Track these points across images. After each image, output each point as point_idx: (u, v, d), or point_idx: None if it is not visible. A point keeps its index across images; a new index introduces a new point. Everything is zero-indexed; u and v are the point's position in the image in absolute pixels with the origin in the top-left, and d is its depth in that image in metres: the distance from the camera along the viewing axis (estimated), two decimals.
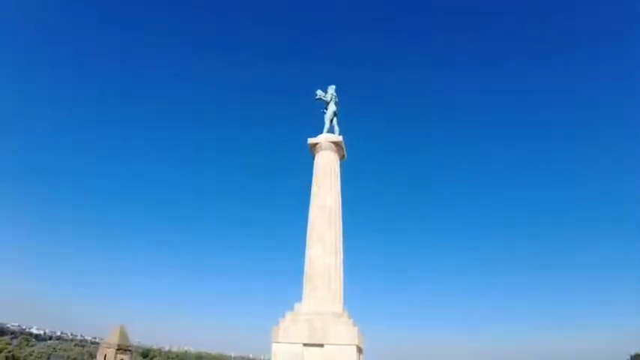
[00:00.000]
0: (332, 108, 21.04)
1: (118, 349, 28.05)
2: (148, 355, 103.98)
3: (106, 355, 28.22)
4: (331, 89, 21.45)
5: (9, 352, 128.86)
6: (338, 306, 16.77)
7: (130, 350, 29.80)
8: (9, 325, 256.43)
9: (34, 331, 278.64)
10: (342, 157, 20.68)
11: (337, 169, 19.89)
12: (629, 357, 51.53)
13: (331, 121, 20.93)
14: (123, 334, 29.48)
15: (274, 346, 15.91)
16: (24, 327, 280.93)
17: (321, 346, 15.42)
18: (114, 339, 28.59)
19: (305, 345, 15.59)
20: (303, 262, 18.01)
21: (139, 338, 33.23)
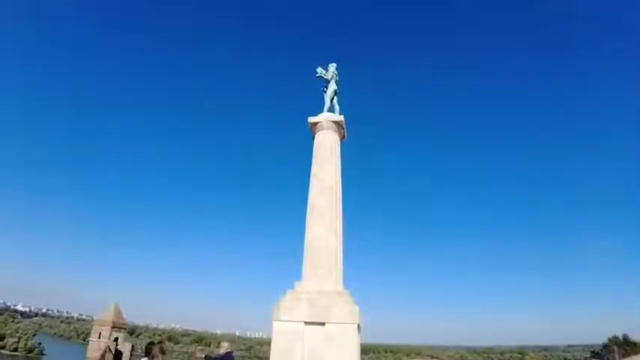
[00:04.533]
0: (332, 86, 20.72)
1: (113, 327, 28.11)
2: (134, 333, 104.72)
3: (100, 333, 28.23)
4: (332, 67, 21.05)
5: None
6: (339, 285, 16.95)
7: (124, 328, 29.95)
8: None
9: (20, 308, 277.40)
10: (342, 137, 20.54)
11: (337, 149, 19.76)
12: (606, 339, 53.89)
13: (332, 99, 20.66)
14: (117, 312, 29.52)
15: (275, 324, 16.03)
16: (9, 304, 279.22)
17: (323, 324, 15.62)
18: (109, 317, 28.61)
19: (306, 323, 15.75)
20: (303, 241, 18.08)
21: (126, 316, 33.63)
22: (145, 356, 9.29)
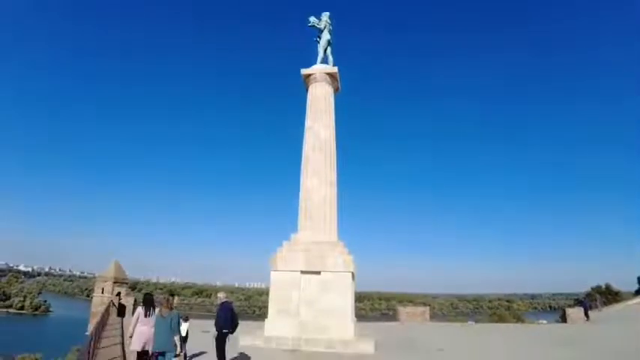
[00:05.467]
0: (326, 36, 20.07)
1: (114, 282, 28.87)
2: (136, 288, 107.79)
3: (103, 288, 29.05)
4: (325, 16, 20.27)
5: None
6: (333, 236, 17.36)
7: (126, 283, 30.73)
8: None
9: (22, 268, 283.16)
10: (336, 89, 20.20)
11: (332, 101, 19.51)
12: (589, 288, 55.95)
13: (325, 50, 20.09)
14: (118, 269, 30.19)
15: (272, 274, 16.56)
16: (11, 265, 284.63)
17: (318, 273, 16.14)
18: (110, 273, 29.28)
19: (302, 272, 16.28)
20: (298, 194, 18.27)
21: (128, 272, 34.47)
22: (143, 305, 9.57)
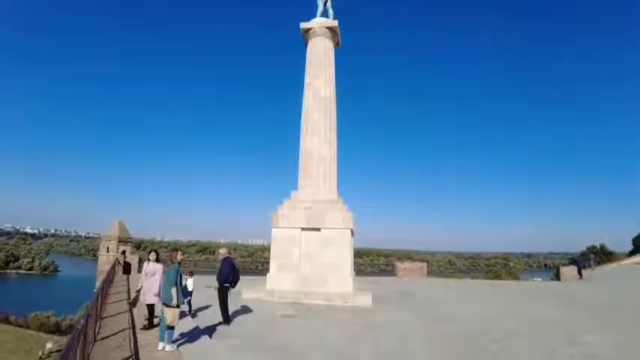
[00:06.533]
0: None
1: (119, 241, 29.44)
2: (140, 247, 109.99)
3: (108, 247, 29.67)
4: None
5: (7, 251, 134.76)
6: (333, 193, 17.48)
7: (130, 241, 31.32)
8: (2, 227, 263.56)
9: (29, 230, 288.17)
10: (336, 44, 19.60)
11: (332, 57, 18.99)
12: (585, 248, 56.76)
13: (325, 3, 19.30)
14: (122, 228, 30.67)
15: (274, 230, 16.85)
16: (18, 227, 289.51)
17: (318, 230, 16.41)
18: (114, 232, 29.80)
19: (303, 229, 16.55)
20: (298, 152, 18.21)
21: (132, 232, 35.18)
22: (150, 261, 9.82)
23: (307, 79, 18.56)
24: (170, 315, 7.85)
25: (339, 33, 19.29)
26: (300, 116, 18.54)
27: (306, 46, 19.25)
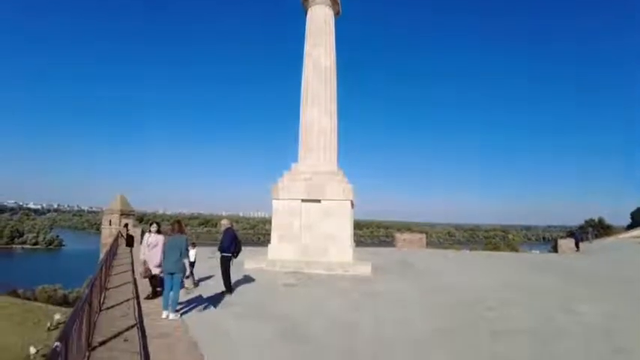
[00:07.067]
0: None
1: (121, 214, 29.74)
2: (143, 220, 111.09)
3: (110, 221, 29.98)
4: None
5: (12, 227, 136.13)
6: (333, 165, 17.45)
7: (133, 214, 31.63)
8: (5, 204, 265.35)
9: (32, 206, 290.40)
10: (337, 13, 19.06)
11: (332, 26, 18.49)
12: (583, 221, 57.06)
13: None
14: (124, 201, 30.93)
15: (274, 202, 16.93)
16: (21, 203, 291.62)
17: (318, 201, 16.49)
18: (116, 206, 30.07)
19: (303, 200, 16.62)
20: (299, 124, 18.05)
21: (135, 205, 35.50)
22: (151, 232, 9.91)
23: (307, 48, 18.16)
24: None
25: (339, 1, 18.75)
26: (300, 87, 18.25)
27: (306, 15, 18.73)
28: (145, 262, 9.89)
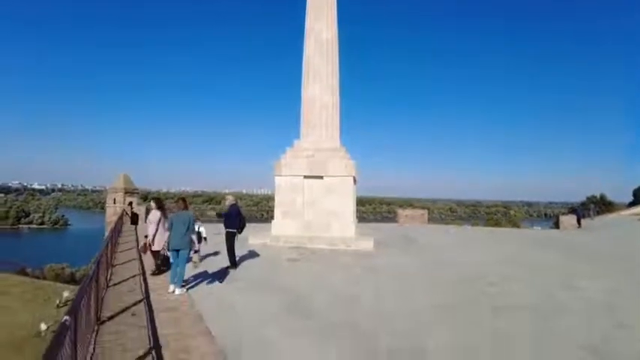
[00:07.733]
0: None
1: (125, 193, 29.89)
2: (147, 198, 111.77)
3: (115, 199, 30.17)
4: None
5: (18, 207, 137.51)
6: (335, 142, 17.37)
7: (137, 192, 31.81)
8: (10, 184, 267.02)
9: (36, 186, 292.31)
10: None
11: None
12: (585, 198, 56.97)
13: None
14: (127, 180, 31.02)
15: (277, 179, 16.96)
16: (26, 184, 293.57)
17: (321, 177, 16.51)
18: (120, 184, 30.19)
19: (305, 177, 16.65)
20: (300, 100, 17.86)
21: (139, 184, 35.71)
22: (156, 209, 9.98)
23: (308, 22, 17.77)
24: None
25: None
26: (301, 63, 17.95)
27: None
28: (145, 237, 10.04)
